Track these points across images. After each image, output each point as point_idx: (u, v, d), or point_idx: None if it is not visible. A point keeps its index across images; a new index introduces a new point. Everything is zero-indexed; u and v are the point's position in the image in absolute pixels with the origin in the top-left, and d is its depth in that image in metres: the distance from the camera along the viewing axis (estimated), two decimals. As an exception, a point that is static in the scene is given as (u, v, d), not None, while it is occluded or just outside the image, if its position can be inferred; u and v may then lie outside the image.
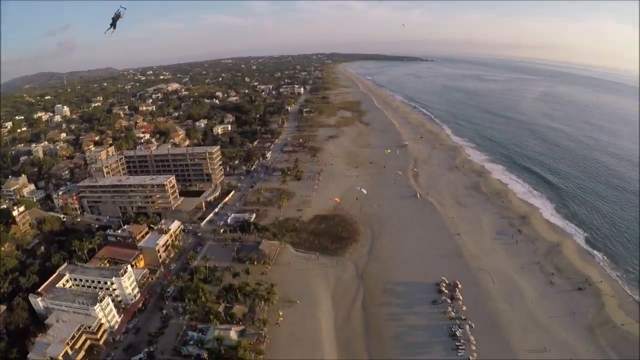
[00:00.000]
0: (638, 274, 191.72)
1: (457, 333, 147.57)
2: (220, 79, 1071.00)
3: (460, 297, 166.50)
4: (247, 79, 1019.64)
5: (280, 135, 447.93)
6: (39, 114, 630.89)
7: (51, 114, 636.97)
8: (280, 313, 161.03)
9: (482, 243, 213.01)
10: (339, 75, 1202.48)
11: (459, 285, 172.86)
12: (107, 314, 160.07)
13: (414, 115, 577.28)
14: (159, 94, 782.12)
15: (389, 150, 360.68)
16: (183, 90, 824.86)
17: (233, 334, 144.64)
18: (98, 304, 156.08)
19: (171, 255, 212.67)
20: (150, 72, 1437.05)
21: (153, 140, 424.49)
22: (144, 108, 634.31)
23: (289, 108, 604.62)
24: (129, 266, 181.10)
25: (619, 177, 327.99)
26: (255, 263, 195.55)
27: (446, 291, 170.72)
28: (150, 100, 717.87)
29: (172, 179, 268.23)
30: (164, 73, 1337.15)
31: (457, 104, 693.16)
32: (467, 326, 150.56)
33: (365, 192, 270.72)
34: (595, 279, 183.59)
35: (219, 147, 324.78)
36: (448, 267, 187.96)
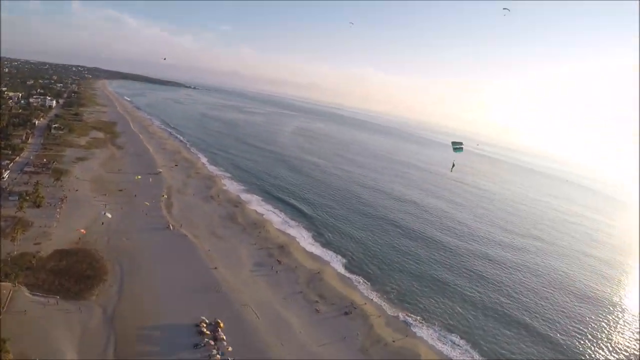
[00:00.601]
0: (396, 293, 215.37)
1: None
2: None
3: (224, 337, 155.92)
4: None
5: (23, 153, 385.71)
6: None
7: None
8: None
9: (242, 276, 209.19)
10: (97, 92, 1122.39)
11: (221, 324, 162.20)
12: None
13: (171, 142, 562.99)
14: None
15: (139, 177, 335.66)
16: None
17: None
18: None
19: None
20: None
21: None
22: None
23: (37, 122, 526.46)
24: None
25: (367, 205, 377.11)
26: None
27: (208, 332, 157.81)
28: None
29: None
30: None
31: (215, 133, 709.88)
32: None
33: (110, 216, 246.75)
34: (359, 302, 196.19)
35: None
36: (208, 304, 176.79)
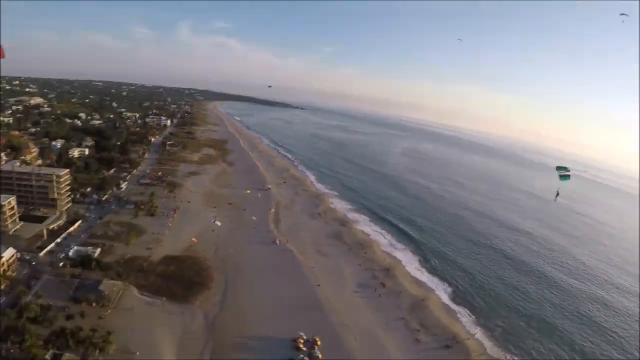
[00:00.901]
0: (501, 331, 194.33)
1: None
2: (88, 100, 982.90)
3: (319, 355, 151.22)
4: (114, 104, 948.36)
5: (139, 166, 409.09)
6: None
7: None
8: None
9: (344, 296, 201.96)
10: (208, 113, 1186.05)
11: (318, 342, 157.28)
12: None
13: (279, 160, 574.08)
14: (20, 106, 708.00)
15: (248, 191, 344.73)
16: (46, 105, 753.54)
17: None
18: None
19: (2, 287, 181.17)
20: (17, 82, 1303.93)
21: (2, 154, 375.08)
22: (0, 119, 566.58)
23: (153, 139, 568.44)
24: None
25: (476, 232, 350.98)
26: (94, 305, 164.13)
27: (304, 348, 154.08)
28: (10, 112, 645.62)
29: (12, 200, 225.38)
30: (31, 86, 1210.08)
31: (323, 152, 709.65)
32: None
33: (219, 224, 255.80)
34: (463, 336, 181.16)
35: (68, 170, 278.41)
36: (307, 321, 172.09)
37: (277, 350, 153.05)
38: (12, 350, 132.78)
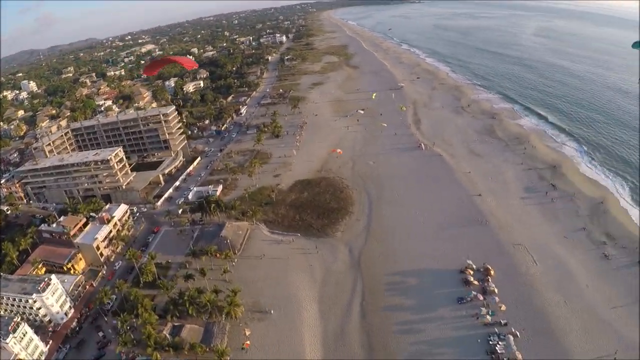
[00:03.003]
0: None
1: (497, 348, 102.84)
2: (199, 36, 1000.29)
3: (496, 290, 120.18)
4: (226, 33, 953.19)
5: (259, 88, 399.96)
6: (4, 93, 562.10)
7: (17, 92, 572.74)
8: (247, 333, 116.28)
9: (511, 206, 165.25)
10: (323, 22, 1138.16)
11: (492, 272, 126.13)
12: (25, 346, 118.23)
13: (407, 55, 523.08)
14: (132, 57, 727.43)
15: (374, 95, 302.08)
16: (157, 50, 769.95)
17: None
18: (11, 336, 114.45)
19: (118, 249, 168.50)
20: (129, 37, 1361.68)
21: (114, 106, 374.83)
22: (112, 73, 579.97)
23: (270, 58, 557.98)
24: (52, 277, 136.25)
25: (634, 116, 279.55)
26: (217, 255, 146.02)
27: (475, 282, 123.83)
28: (122, 65, 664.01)
29: (119, 151, 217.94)
30: (143, 37, 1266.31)
31: (451, 42, 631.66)
32: (511, 336, 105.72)
33: (363, 111, 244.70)
34: None
35: (174, 107, 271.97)
36: (472, 244, 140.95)
37: (441, 287, 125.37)
38: (122, 330, 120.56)
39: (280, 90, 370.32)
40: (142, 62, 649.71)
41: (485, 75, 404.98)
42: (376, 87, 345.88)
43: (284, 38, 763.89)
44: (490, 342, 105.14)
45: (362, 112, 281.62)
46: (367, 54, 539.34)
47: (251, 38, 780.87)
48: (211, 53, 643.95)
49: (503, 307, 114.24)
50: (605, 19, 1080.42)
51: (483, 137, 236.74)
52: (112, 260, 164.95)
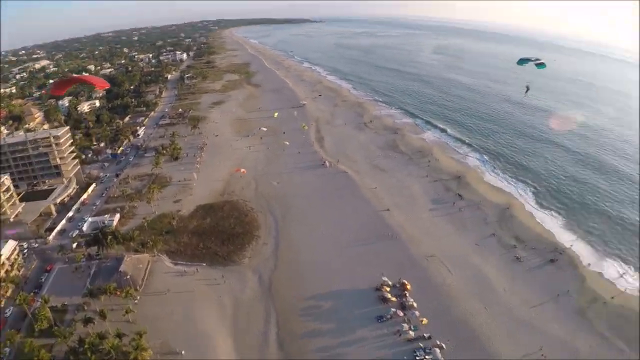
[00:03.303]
0: (599, 234, 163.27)
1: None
2: (97, 52, 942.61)
3: (415, 304, 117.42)
4: (125, 50, 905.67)
5: (157, 107, 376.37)
6: None
7: None
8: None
9: (420, 218, 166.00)
10: (225, 40, 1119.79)
11: (408, 286, 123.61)
12: None
13: (309, 73, 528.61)
14: (24, 74, 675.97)
15: (276, 114, 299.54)
16: (52, 66, 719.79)
17: None
18: None
19: (8, 294, 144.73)
20: (23, 52, 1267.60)
21: (2, 128, 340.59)
22: (2, 91, 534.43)
23: (169, 76, 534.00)
24: None
25: (528, 126, 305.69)
26: (118, 293, 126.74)
27: (393, 298, 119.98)
28: (13, 82, 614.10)
29: (6, 179, 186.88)
30: (38, 52, 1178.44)
31: (353, 60, 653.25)
32: (437, 349, 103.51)
33: (265, 129, 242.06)
34: (563, 245, 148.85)
35: (67, 128, 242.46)
36: (385, 259, 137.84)
37: (359, 307, 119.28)
38: None
39: (180, 110, 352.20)
40: (35, 77, 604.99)
41: (387, 91, 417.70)
42: (278, 105, 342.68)
43: (185, 56, 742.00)
44: (417, 358, 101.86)
45: (264, 129, 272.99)
46: (268, 72, 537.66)
47: (151, 55, 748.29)
48: (109, 70, 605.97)
49: (425, 321, 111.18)
50: (499, 37, 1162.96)
51: (387, 152, 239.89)
52: (1, 306, 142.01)
